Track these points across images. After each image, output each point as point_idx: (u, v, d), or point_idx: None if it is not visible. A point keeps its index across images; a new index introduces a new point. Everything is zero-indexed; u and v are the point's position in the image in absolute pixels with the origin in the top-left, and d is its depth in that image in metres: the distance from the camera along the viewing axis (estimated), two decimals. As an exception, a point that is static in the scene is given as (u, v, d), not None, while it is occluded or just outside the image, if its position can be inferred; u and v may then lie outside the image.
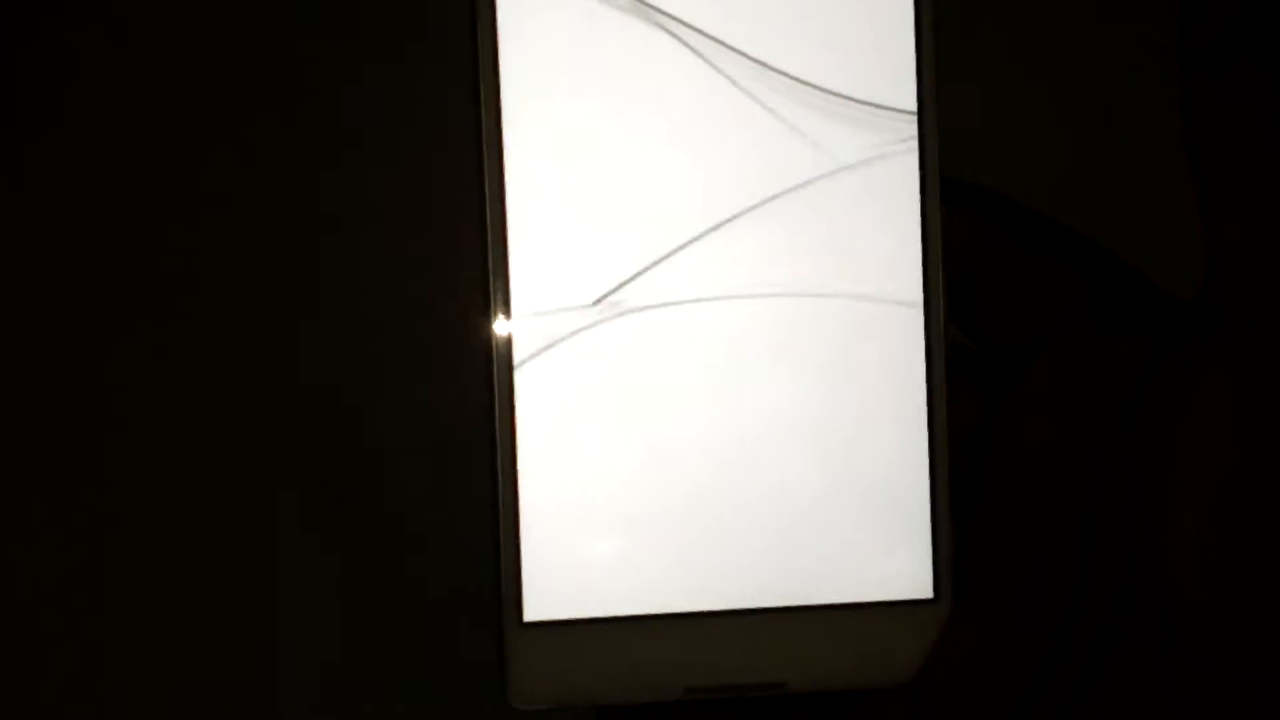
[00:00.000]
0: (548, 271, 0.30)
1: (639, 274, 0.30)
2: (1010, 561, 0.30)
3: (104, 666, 0.37)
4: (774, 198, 0.30)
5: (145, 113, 0.36)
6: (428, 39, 0.37)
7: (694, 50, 0.30)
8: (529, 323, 0.30)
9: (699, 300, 0.30)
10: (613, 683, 0.30)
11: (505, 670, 0.30)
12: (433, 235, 0.37)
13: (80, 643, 0.37)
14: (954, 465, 0.31)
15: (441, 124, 0.35)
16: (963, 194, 0.31)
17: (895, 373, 0.31)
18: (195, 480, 0.37)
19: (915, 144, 0.30)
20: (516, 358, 0.30)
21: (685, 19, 0.30)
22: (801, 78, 0.30)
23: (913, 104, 0.30)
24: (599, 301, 0.30)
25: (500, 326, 0.30)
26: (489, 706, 0.36)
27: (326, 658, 0.37)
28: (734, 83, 0.30)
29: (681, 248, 0.30)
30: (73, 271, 0.36)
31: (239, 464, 0.37)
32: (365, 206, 0.37)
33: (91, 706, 0.37)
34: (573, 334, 0.30)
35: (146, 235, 0.36)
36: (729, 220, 0.30)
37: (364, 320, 0.37)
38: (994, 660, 0.30)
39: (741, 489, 0.30)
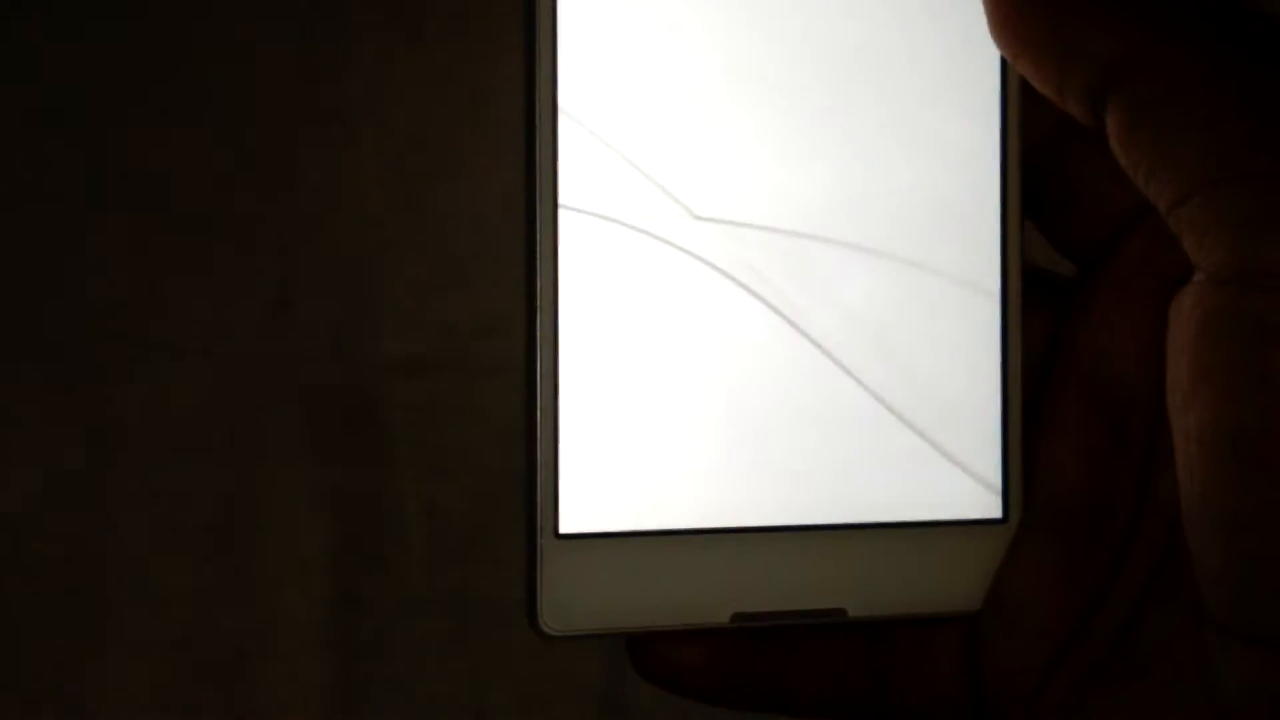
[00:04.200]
0: (597, 172, 0.27)
1: (691, 176, 0.27)
2: (1072, 486, 0.28)
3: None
4: (843, 87, 0.28)
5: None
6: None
7: None
8: (574, 220, 0.27)
9: (757, 200, 0.28)
10: (653, 606, 0.27)
11: (536, 589, 0.27)
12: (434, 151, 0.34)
13: (105, 637, 0.34)
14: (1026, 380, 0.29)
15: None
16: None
17: (968, 277, 0.28)
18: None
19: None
20: (561, 252, 0.27)
21: None
22: None
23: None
24: (649, 204, 0.27)
25: (545, 225, 0.27)
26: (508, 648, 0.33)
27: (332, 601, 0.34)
28: None
29: (742, 150, 0.28)
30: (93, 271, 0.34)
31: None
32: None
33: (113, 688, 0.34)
34: (620, 231, 0.27)
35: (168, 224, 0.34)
36: (796, 111, 0.28)
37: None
38: (1049, 590, 0.28)
39: (800, 397, 0.28)
